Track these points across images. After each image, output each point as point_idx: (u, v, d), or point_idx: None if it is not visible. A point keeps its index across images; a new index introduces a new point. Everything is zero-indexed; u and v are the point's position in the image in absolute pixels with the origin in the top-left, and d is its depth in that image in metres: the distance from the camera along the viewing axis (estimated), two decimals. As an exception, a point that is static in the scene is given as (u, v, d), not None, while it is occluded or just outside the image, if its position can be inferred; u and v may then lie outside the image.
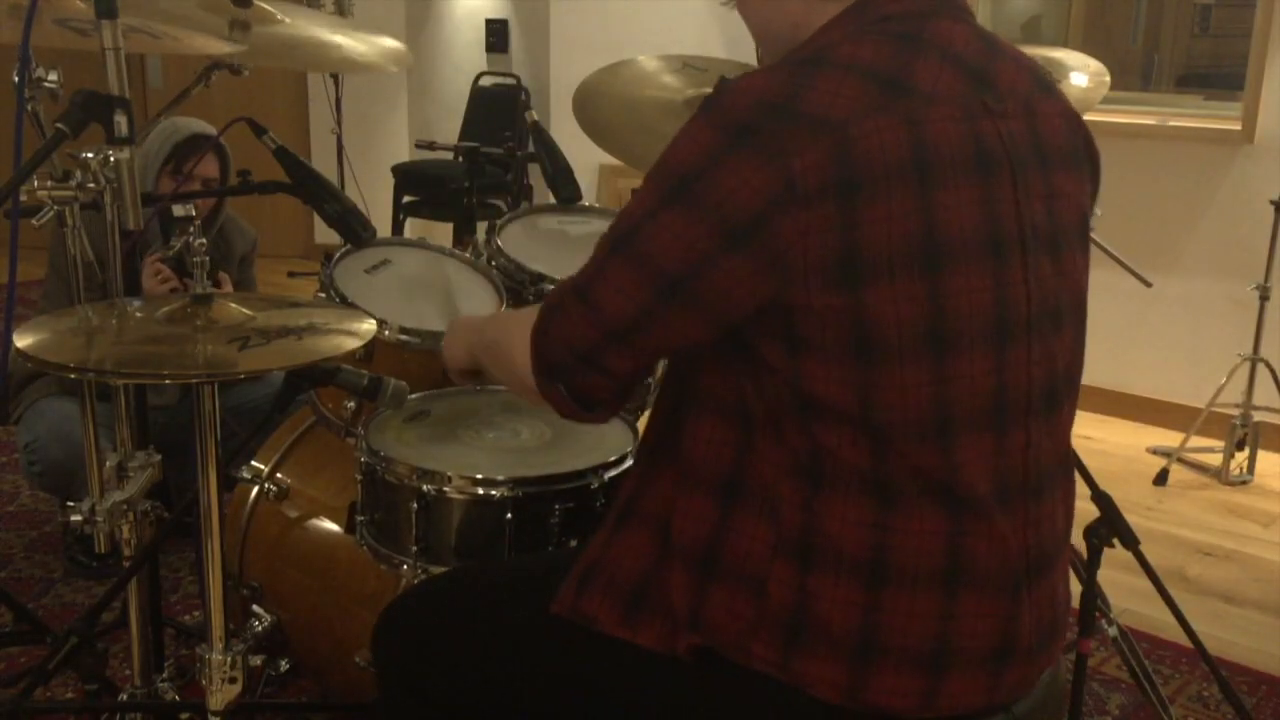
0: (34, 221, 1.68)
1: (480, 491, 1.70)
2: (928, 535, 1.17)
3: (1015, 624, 1.22)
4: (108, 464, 1.78)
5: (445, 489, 1.71)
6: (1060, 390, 1.25)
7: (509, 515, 1.69)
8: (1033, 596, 1.23)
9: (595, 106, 2.34)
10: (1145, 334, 4.22)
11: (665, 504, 1.28)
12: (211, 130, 2.82)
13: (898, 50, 1.17)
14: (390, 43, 2.57)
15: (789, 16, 1.25)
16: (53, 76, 1.74)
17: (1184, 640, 2.31)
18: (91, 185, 1.63)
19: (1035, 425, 1.22)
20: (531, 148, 2.47)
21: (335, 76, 5.49)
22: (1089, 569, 1.95)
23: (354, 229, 2.08)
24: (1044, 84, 1.27)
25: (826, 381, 1.14)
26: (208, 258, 1.63)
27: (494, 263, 2.21)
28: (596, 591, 1.30)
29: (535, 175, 2.57)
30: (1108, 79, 2.49)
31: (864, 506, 1.16)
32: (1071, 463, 1.31)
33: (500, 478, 1.70)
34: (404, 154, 5.86)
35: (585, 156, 2.65)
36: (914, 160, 1.13)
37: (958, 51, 1.19)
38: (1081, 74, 2.48)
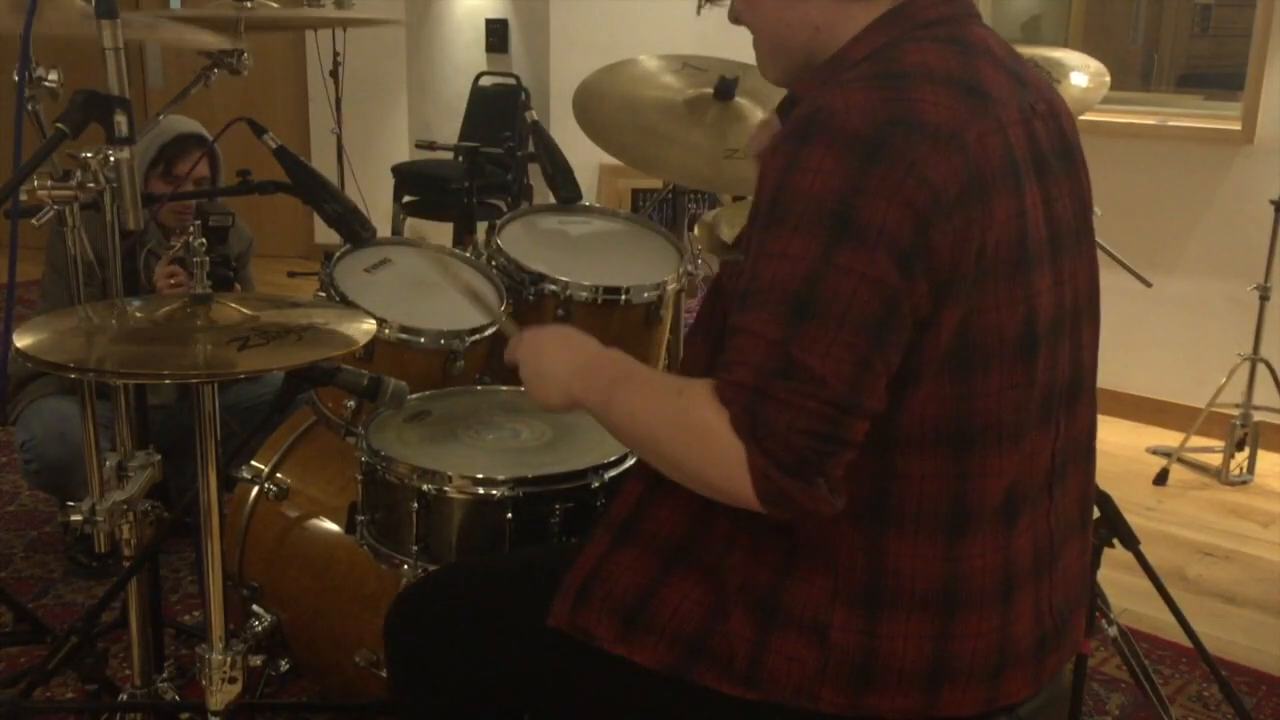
0: (34, 221, 1.69)
1: (480, 491, 1.70)
2: (990, 553, 1.20)
3: (1046, 607, 1.26)
4: (108, 464, 1.78)
5: (445, 489, 1.70)
6: (1084, 379, 1.29)
7: (509, 515, 1.69)
8: (1053, 578, 1.27)
9: (595, 106, 2.34)
10: (1145, 334, 4.22)
11: (677, 530, 1.28)
12: (197, 127, 2.81)
13: (959, 55, 1.17)
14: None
15: (810, 19, 1.24)
16: (53, 76, 1.74)
17: (1184, 640, 2.31)
18: (91, 185, 1.63)
19: (1063, 414, 1.26)
20: (531, 148, 2.47)
21: (335, 76, 5.49)
22: (1089, 569, 1.95)
23: (354, 229, 2.09)
24: (1052, 85, 1.32)
25: (928, 403, 1.14)
26: (208, 258, 1.63)
27: (494, 262, 2.21)
28: (594, 607, 1.29)
29: (535, 175, 2.57)
30: (1108, 79, 2.50)
31: (937, 541, 1.17)
32: (1092, 442, 1.34)
33: (500, 477, 1.70)
34: (404, 154, 5.86)
35: (585, 156, 2.65)
36: (1009, 164, 1.14)
37: (998, 55, 1.22)
38: (1082, 74, 2.48)
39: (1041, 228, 1.18)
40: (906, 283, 1.08)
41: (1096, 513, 2.02)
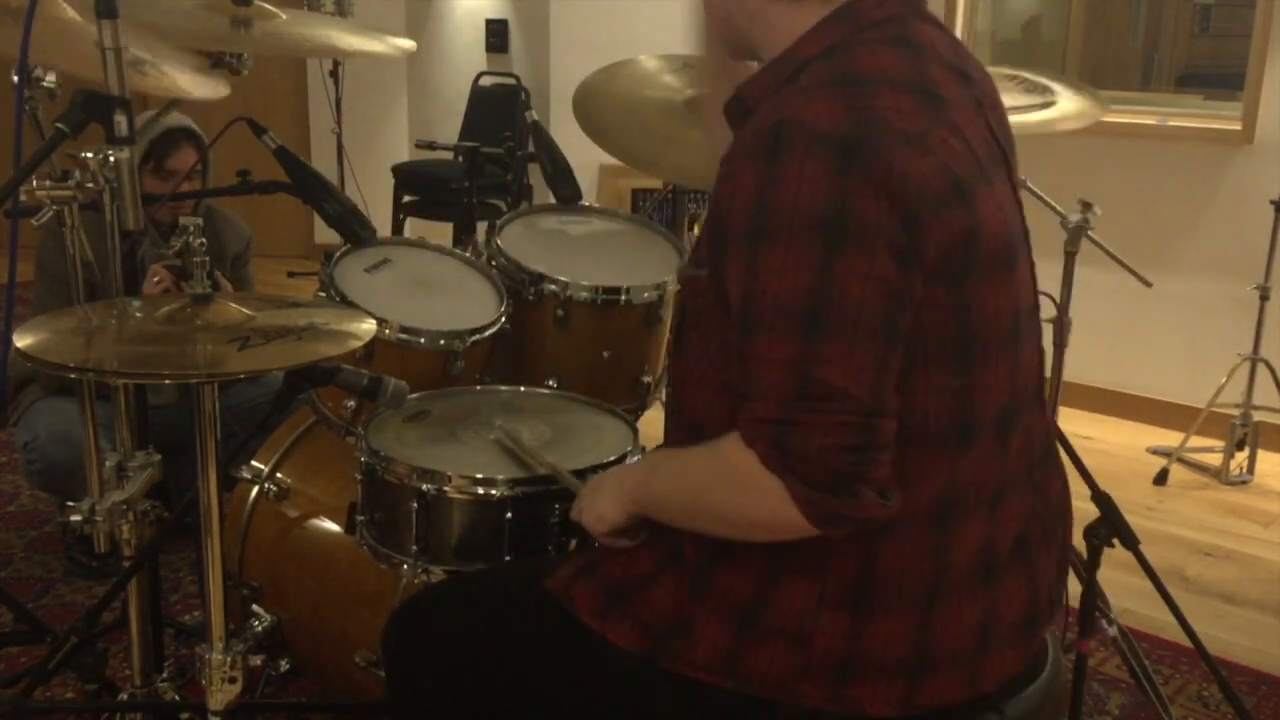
0: (34, 221, 1.69)
1: (480, 491, 1.70)
2: (973, 541, 1.20)
3: (1037, 592, 1.27)
4: (107, 464, 1.78)
5: (445, 489, 1.70)
6: (1042, 381, 1.30)
7: (509, 515, 1.68)
8: (1041, 563, 1.28)
9: (595, 106, 2.35)
10: (1145, 334, 4.22)
11: (680, 535, 1.29)
12: (186, 121, 2.81)
13: (908, 57, 1.17)
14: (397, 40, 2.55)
15: (745, 8, 1.25)
16: (50, 77, 1.75)
17: (1184, 640, 2.31)
18: (91, 185, 1.63)
19: (1033, 415, 1.27)
20: (531, 148, 2.47)
21: (335, 76, 5.49)
22: (1089, 569, 1.95)
23: (354, 229, 2.08)
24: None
25: (931, 395, 1.15)
26: (207, 258, 1.63)
27: (494, 263, 2.21)
28: (584, 580, 1.31)
29: (535, 175, 2.57)
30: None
31: (926, 533, 1.18)
32: (1055, 441, 1.36)
33: (500, 477, 1.70)
34: (404, 154, 5.85)
35: (585, 156, 2.65)
36: (973, 164, 1.15)
37: (942, 53, 1.21)
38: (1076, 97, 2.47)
39: (1015, 218, 1.20)
40: (904, 276, 1.09)
41: (1097, 513, 2.03)
